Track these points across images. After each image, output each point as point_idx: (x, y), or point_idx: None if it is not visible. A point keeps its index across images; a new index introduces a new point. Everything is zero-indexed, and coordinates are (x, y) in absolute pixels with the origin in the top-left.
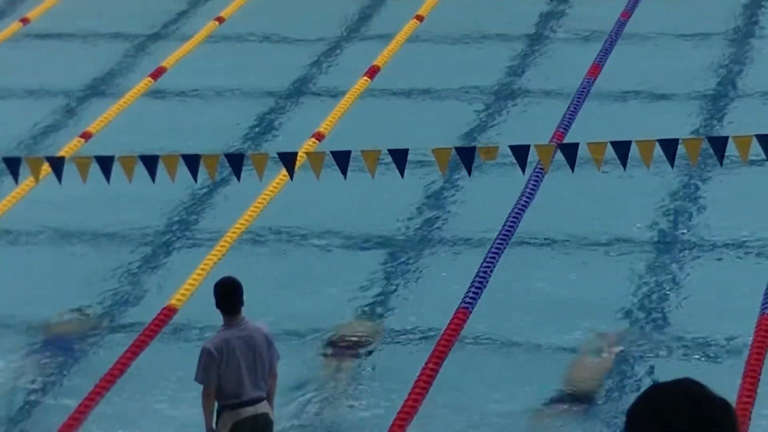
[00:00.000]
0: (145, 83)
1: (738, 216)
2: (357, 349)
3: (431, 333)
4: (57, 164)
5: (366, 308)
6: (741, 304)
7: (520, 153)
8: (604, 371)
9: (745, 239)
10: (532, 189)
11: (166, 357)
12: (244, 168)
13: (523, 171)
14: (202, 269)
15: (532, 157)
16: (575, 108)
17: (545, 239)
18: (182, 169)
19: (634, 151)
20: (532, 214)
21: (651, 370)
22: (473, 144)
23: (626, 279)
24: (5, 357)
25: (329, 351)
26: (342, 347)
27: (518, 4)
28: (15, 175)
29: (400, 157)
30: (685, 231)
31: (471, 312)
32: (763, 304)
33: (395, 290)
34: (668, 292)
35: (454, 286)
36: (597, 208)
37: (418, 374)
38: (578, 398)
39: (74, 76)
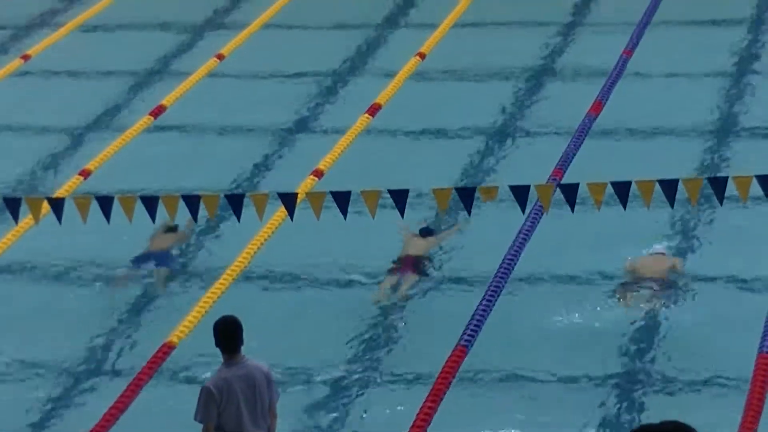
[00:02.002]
0: (144, 121)
1: (736, 253)
2: (355, 388)
3: (430, 369)
4: (57, 204)
5: (364, 346)
6: (739, 342)
7: (520, 193)
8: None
9: (742, 276)
10: (530, 227)
11: (164, 394)
12: (243, 205)
13: (523, 211)
14: (202, 307)
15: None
16: (576, 145)
17: (544, 277)
18: (182, 208)
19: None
20: (531, 251)
21: (648, 407)
22: (474, 183)
23: (625, 315)
24: None
25: (328, 390)
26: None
27: (518, 42)
28: (15, 214)
29: (400, 197)
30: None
31: (469, 349)
32: (761, 342)
33: (394, 329)
34: (666, 329)
35: (452, 323)
36: (595, 245)
37: (416, 412)
38: None
39: (74, 113)
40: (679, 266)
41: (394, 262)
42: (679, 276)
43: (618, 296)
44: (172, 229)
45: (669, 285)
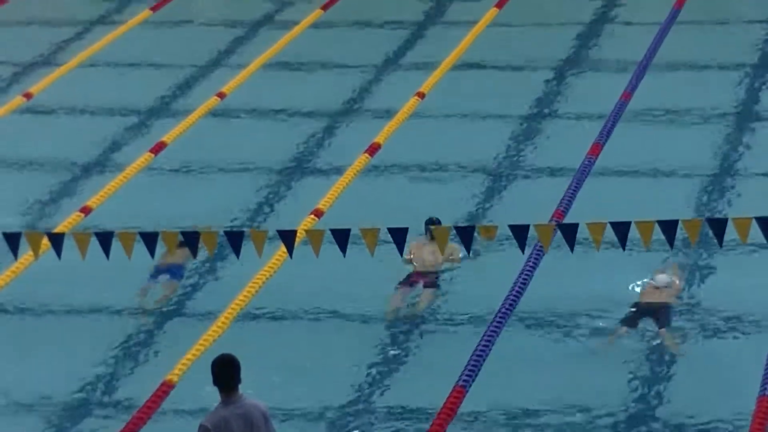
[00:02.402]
0: (145, 158)
1: (736, 295)
2: (353, 426)
3: (429, 410)
4: (56, 240)
5: (361, 384)
6: (740, 384)
7: (520, 233)
8: None
9: (743, 318)
10: (531, 267)
11: None
12: (243, 243)
13: (523, 251)
14: (201, 345)
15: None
16: (576, 187)
17: (544, 317)
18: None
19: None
20: (531, 292)
21: None
22: (473, 222)
23: (625, 357)
24: None
25: (325, 429)
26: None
27: (518, 84)
28: (14, 250)
29: (399, 236)
30: (683, 309)
31: (468, 390)
32: (762, 385)
33: (393, 368)
34: (666, 372)
35: (451, 363)
36: (595, 286)
37: None
38: None
39: (75, 150)
40: (677, 291)
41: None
42: (678, 308)
43: (615, 332)
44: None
45: (668, 319)
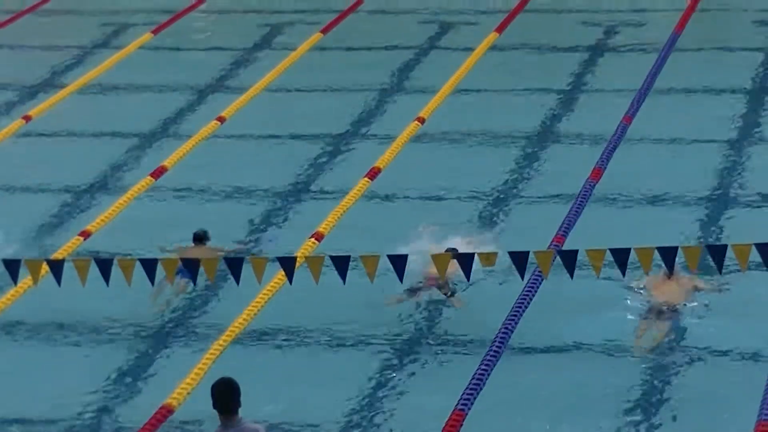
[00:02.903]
0: (145, 182)
1: (733, 321)
2: None
3: None
4: (56, 266)
5: (361, 408)
6: (739, 410)
7: (520, 259)
8: None
9: (740, 344)
10: (529, 292)
11: None
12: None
13: (522, 277)
14: (200, 369)
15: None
16: (576, 212)
17: (543, 340)
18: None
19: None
20: (530, 317)
21: None
22: (473, 248)
23: (623, 382)
24: None
25: None
26: None
27: (518, 108)
28: (14, 276)
29: (399, 262)
30: (681, 336)
31: (467, 413)
32: (760, 410)
33: (392, 392)
34: (665, 399)
35: (451, 386)
36: (594, 312)
37: None
38: None
39: (75, 174)
40: (700, 286)
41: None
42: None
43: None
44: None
45: (681, 318)
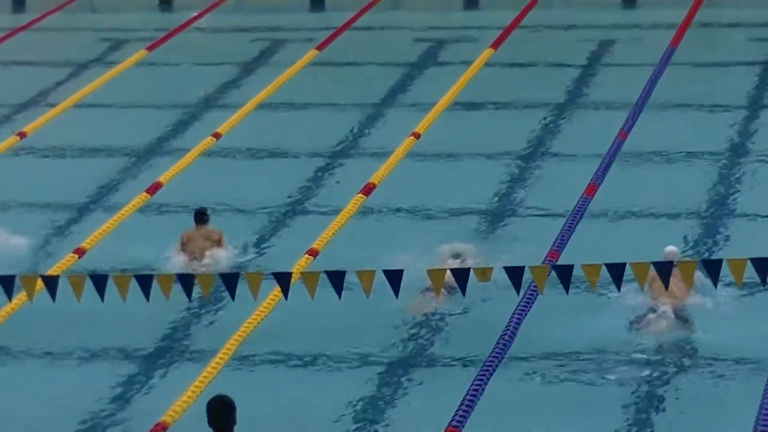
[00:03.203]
0: (141, 198)
1: (729, 331)
2: None
3: None
4: (51, 282)
5: (358, 426)
6: (734, 421)
7: (515, 274)
8: None
9: (738, 354)
10: (524, 308)
11: None
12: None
13: (518, 292)
14: (196, 386)
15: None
16: (570, 227)
17: (540, 346)
18: (176, 287)
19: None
20: (525, 333)
21: None
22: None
23: (619, 397)
24: None
25: None
26: None
27: (513, 124)
28: (8, 292)
29: (395, 278)
30: (676, 348)
31: (461, 431)
32: (756, 421)
33: (387, 409)
34: (661, 409)
35: (445, 403)
36: (589, 329)
37: None
38: None
39: (69, 190)
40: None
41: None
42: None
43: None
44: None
45: (685, 317)
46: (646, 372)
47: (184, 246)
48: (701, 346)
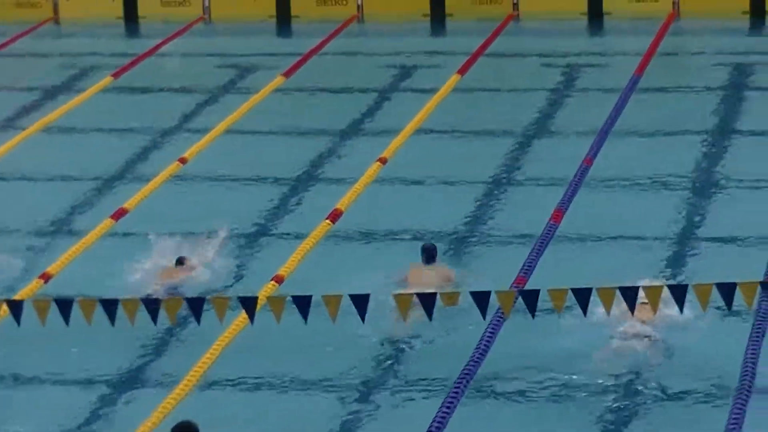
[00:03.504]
0: (106, 224)
1: (697, 351)
2: None
3: None
4: (15, 307)
5: None
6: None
7: (481, 299)
8: None
9: (705, 374)
10: (491, 334)
11: None
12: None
13: (484, 317)
14: (161, 412)
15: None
16: (537, 253)
17: (504, 383)
18: (142, 313)
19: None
20: (492, 358)
21: None
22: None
23: (586, 420)
24: None
25: None
26: None
27: (480, 150)
28: None
29: (360, 302)
30: (645, 373)
31: None
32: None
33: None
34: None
35: (414, 428)
36: (556, 353)
37: None
38: None
39: (35, 216)
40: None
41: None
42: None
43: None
44: (180, 262)
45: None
46: (615, 394)
47: None
48: (670, 365)
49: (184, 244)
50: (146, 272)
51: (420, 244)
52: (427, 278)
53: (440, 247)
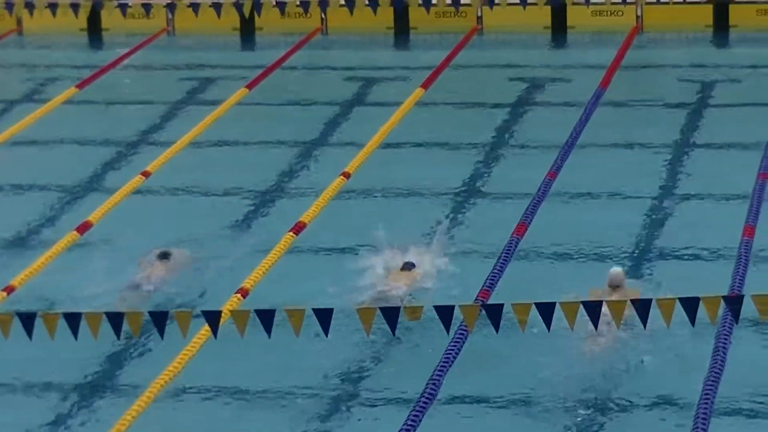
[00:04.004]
0: (70, 237)
1: (659, 375)
2: None
3: None
4: None
5: None
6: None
7: (445, 313)
8: None
9: (667, 401)
10: (455, 347)
11: None
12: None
13: (448, 331)
14: (121, 425)
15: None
16: (501, 267)
17: (469, 399)
18: (105, 326)
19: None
20: (456, 371)
21: None
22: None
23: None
24: None
25: None
26: None
27: (443, 164)
28: None
29: (324, 316)
30: (611, 393)
31: None
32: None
33: None
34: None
35: None
36: (519, 367)
37: None
38: None
39: None
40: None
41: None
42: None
43: None
44: (166, 256)
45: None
46: (584, 405)
47: None
48: (634, 382)
49: (146, 259)
50: (108, 287)
51: (383, 257)
52: (399, 280)
53: (403, 259)
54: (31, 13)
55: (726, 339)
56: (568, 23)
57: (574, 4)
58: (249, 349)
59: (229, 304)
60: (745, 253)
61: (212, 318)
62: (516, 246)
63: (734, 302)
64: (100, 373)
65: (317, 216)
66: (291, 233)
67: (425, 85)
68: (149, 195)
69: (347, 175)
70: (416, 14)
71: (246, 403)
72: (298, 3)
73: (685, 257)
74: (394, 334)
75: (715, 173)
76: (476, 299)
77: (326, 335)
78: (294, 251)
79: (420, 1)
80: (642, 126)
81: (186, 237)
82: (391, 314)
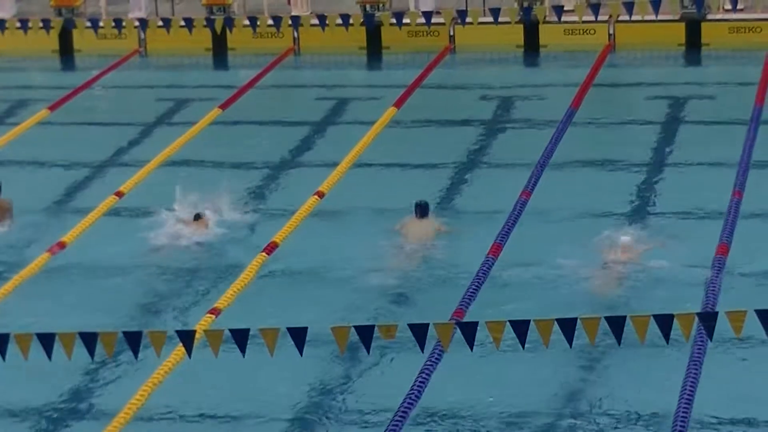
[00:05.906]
0: (43, 258)
1: (636, 393)
2: None
3: None
4: None
5: None
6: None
7: (420, 332)
8: None
9: (640, 416)
10: (430, 366)
11: None
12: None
13: (422, 350)
14: None
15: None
16: (476, 286)
17: (445, 416)
18: (79, 346)
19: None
20: (432, 389)
21: None
22: (373, 322)
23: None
24: None
25: None
26: None
27: (417, 183)
28: None
29: (299, 335)
30: (586, 410)
31: None
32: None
33: None
34: None
35: None
36: (496, 386)
37: None
38: None
39: None
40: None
41: None
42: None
43: None
44: (198, 217)
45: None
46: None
47: None
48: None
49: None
50: (82, 309)
51: (358, 277)
52: (421, 228)
53: (380, 276)
54: (3, 32)
55: (700, 354)
56: (541, 42)
57: (546, 22)
58: (222, 367)
59: (203, 323)
60: (719, 270)
61: (186, 337)
62: (492, 265)
63: (708, 319)
64: (74, 393)
65: (289, 235)
66: (264, 253)
67: (398, 104)
68: (123, 216)
69: (321, 195)
70: (389, 34)
71: (221, 420)
72: (270, 22)
73: (660, 274)
74: (368, 352)
75: (688, 191)
76: (451, 318)
77: (300, 353)
78: (266, 271)
79: (392, 20)
80: (615, 144)
81: (159, 258)
82: (365, 333)
